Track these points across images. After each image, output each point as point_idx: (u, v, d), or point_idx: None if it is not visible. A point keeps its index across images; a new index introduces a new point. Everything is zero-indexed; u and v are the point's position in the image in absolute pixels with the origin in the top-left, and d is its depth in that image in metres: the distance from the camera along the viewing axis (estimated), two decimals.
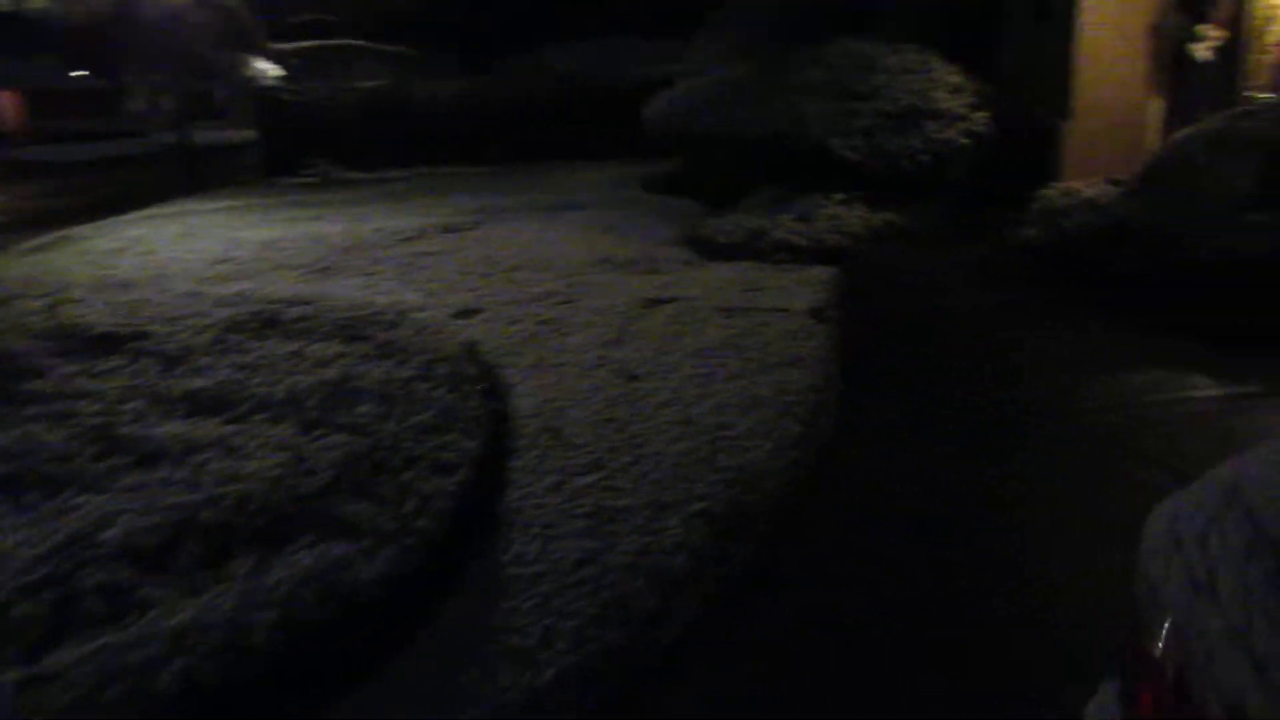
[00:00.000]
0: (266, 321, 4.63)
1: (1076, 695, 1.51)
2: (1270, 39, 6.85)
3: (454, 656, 2.23)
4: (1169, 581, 0.91)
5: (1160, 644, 0.94)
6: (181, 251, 8.11)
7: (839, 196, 8.02)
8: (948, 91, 8.70)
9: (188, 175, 15.20)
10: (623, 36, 20.11)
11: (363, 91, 15.51)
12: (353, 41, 19.01)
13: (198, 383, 3.72)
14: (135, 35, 16.62)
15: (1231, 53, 7.15)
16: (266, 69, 25.43)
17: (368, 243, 8.10)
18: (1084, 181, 7.05)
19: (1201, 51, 7.41)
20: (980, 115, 8.67)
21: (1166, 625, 0.92)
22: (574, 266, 6.66)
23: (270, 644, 2.06)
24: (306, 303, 5.23)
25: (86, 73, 34.43)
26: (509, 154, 14.67)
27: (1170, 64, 7.88)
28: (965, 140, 8.52)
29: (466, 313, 5.47)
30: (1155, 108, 8.05)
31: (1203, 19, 7.35)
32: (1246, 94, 6.61)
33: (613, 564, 2.52)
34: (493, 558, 2.64)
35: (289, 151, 15.29)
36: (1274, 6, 6.79)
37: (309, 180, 14.64)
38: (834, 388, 4.10)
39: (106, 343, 4.22)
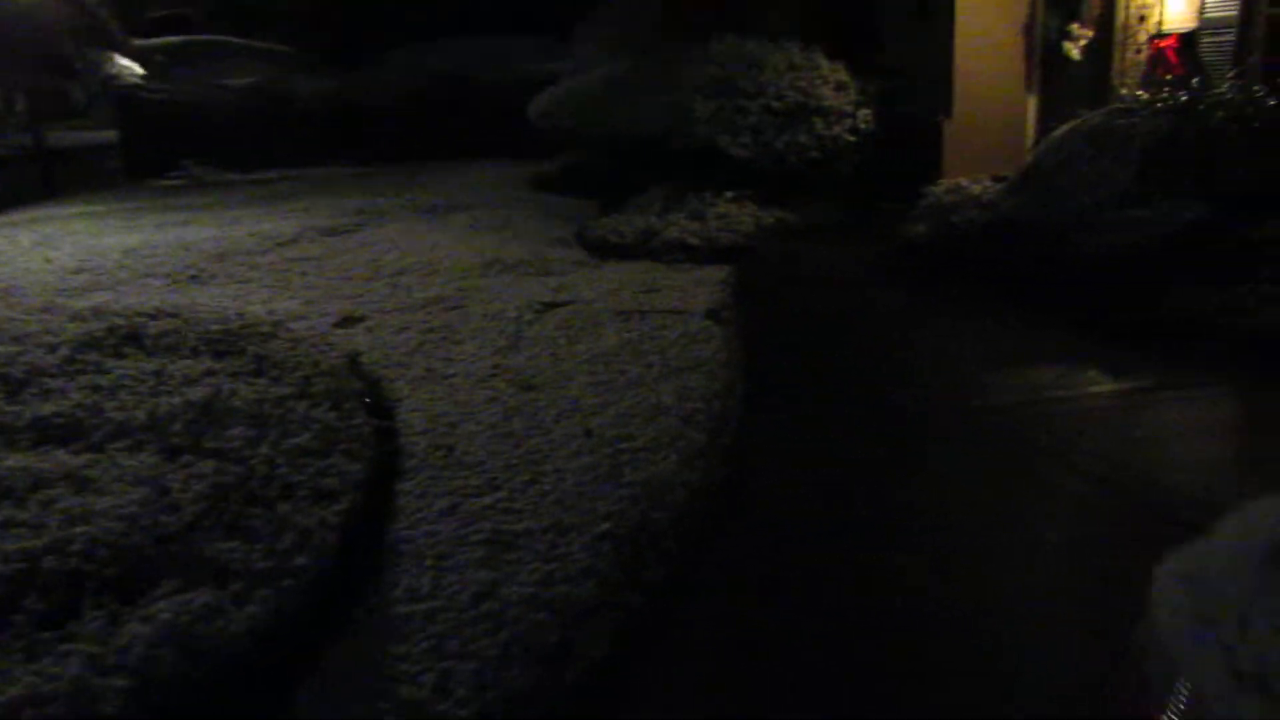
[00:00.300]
0: (126, 337, 4.25)
1: None
2: (1141, 37, 7.09)
3: (339, 715, 2.01)
4: (1200, 668, 0.78)
5: None
6: (35, 262, 7.51)
7: (729, 195, 7.98)
8: (833, 89, 8.75)
9: (44, 179, 14.21)
10: (502, 34, 19.76)
11: (233, 90, 14.79)
12: (220, 37, 18.11)
13: (46, 409, 3.35)
14: None
15: (1104, 51, 7.37)
16: (127, 66, 24.12)
17: (242, 248, 7.65)
18: (968, 177, 7.17)
19: (1073, 50, 7.63)
20: (865, 113, 8.76)
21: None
22: (463, 270, 6.41)
23: (123, 716, 1.80)
24: (173, 314, 4.85)
25: None
26: (390, 153, 14.19)
27: (1043, 62, 8.11)
28: (851, 137, 8.60)
29: (349, 321, 5.17)
30: (1033, 105, 8.27)
31: (1074, 18, 7.57)
32: (1121, 91, 6.82)
33: (513, 596, 2.33)
34: (382, 595, 2.42)
35: (154, 153, 14.48)
36: (1145, 6, 7.02)
37: (176, 183, 13.87)
38: (736, 392, 3.99)
39: None
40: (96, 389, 3.54)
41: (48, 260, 7.53)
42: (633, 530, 2.68)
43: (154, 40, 17.48)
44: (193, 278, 6.63)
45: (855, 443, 3.83)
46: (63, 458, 2.96)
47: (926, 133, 8.50)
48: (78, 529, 2.41)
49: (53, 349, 4.07)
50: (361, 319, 5.21)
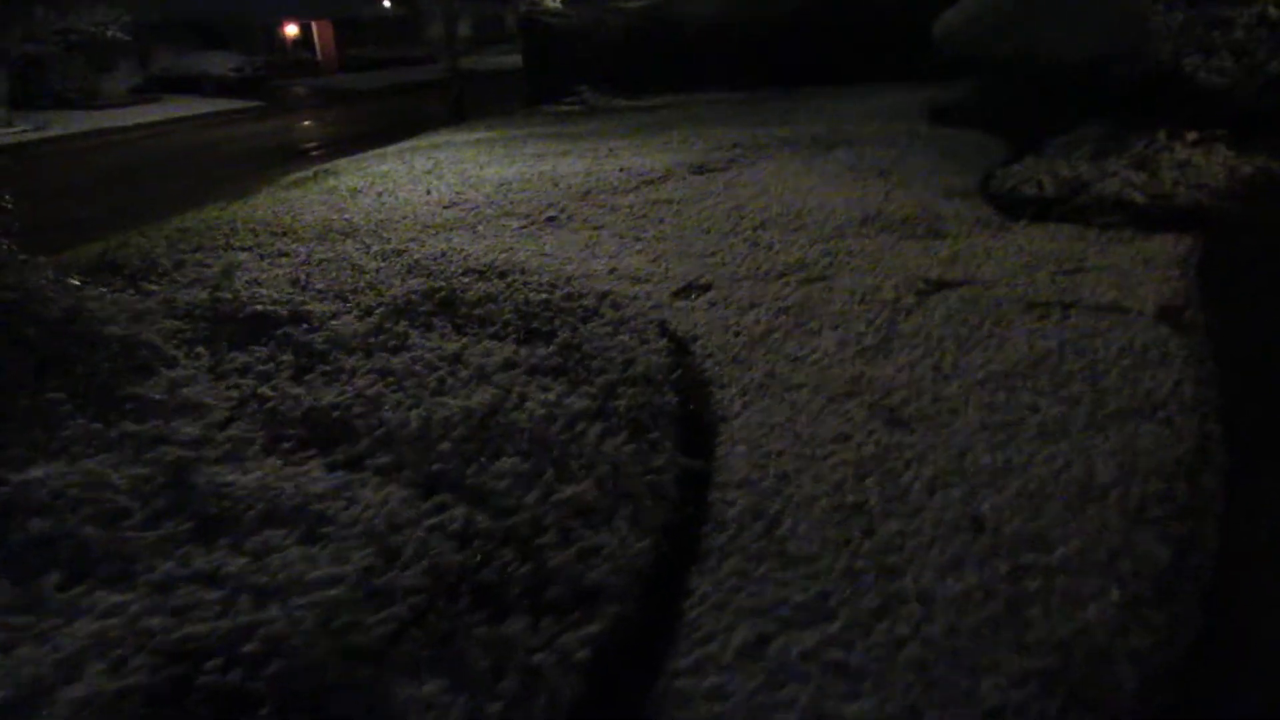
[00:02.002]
0: (443, 303, 3.81)
1: None
2: None
3: None
4: None
5: None
6: (418, 193, 7.61)
7: (1192, 136, 6.13)
8: None
9: (455, 104, 15.07)
10: None
11: (629, 13, 14.61)
12: None
13: (326, 397, 2.92)
14: None
15: None
16: None
17: (607, 185, 7.21)
18: None
19: None
20: None
21: None
22: (835, 225, 5.39)
23: None
24: (504, 273, 4.40)
25: (389, 4, 36.32)
26: (779, 77, 13.29)
27: None
28: None
29: (690, 290, 4.40)
30: None
31: None
32: None
33: None
34: None
35: (553, 78, 14.77)
36: None
37: (570, 108, 14.05)
38: (1216, 462, 2.64)
39: (255, 326, 3.56)
40: (386, 375, 3.07)
41: (428, 192, 7.59)
42: None
43: None
44: (550, 219, 6.23)
45: None
46: (313, 475, 2.47)
47: None
48: (264, 615, 1.85)
49: (368, 313, 3.71)
50: (707, 287, 4.42)
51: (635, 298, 4.28)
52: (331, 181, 8.73)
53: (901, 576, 2.06)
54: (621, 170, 7.86)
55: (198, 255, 5.19)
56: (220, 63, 26.70)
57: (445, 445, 2.57)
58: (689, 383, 3.21)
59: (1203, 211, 5.10)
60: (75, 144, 16.78)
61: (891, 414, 2.87)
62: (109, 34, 18.85)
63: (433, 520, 2.23)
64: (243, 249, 5.52)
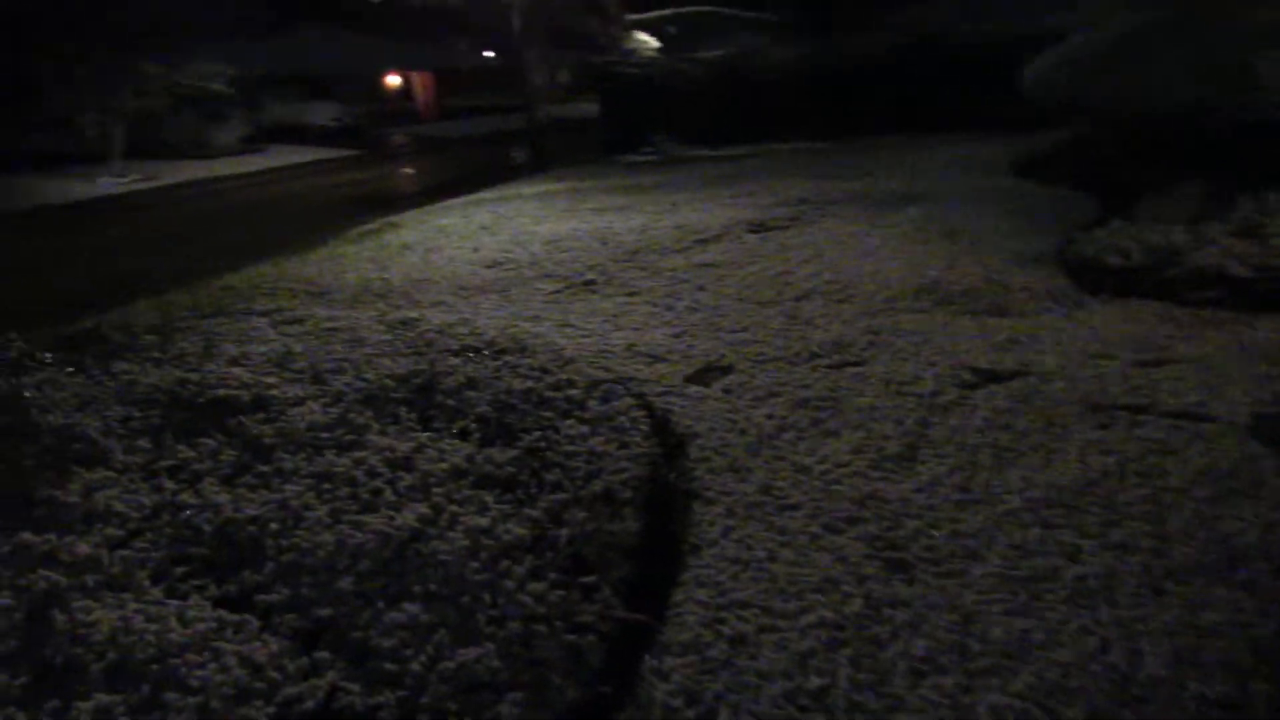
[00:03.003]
0: (421, 388, 3.46)
1: None
2: None
3: None
4: None
5: None
6: (466, 249, 7.39)
7: None
8: None
9: (533, 154, 15.01)
10: None
11: (706, 63, 14.35)
12: (709, 8, 17.91)
13: (249, 507, 2.58)
14: (528, 15, 16.77)
15: None
16: (644, 40, 25.32)
17: (657, 245, 6.84)
18: None
19: None
20: None
21: None
22: (885, 297, 4.89)
23: None
24: (502, 351, 4.03)
25: (492, 54, 37.15)
26: (861, 127, 12.78)
27: None
28: None
29: (709, 372, 3.95)
30: None
31: None
32: None
33: None
34: None
35: (629, 128, 14.59)
36: None
37: (645, 159, 13.81)
38: None
39: (212, 413, 3.26)
40: (323, 480, 2.72)
41: (475, 250, 7.35)
42: None
43: (649, 14, 17.82)
44: (586, 283, 5.89)
45: None
46: (189, 615, 2.11)
47: None
48: None
49: (337, 400, 3.38)
50: (728, 369, 3.97)
51: (646, 380, 3.87)
52: (389, 236, 8.61)
53: None
54: (677, 228, 7.49)
55: (209, 322, 5.00)
56: (322, 112, 27.59)
57: (347, 581, 2.18)
58: (668, 497, 2.76)
59: None
60: (176, 194, 17.35)
61: (894, 553, 2.36)
62: (213, 89, 19.58)
63: (291, 690, 1.84)
64: (262, 313, 5.31)
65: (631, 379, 3.88)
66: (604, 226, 7.89)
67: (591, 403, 3.29)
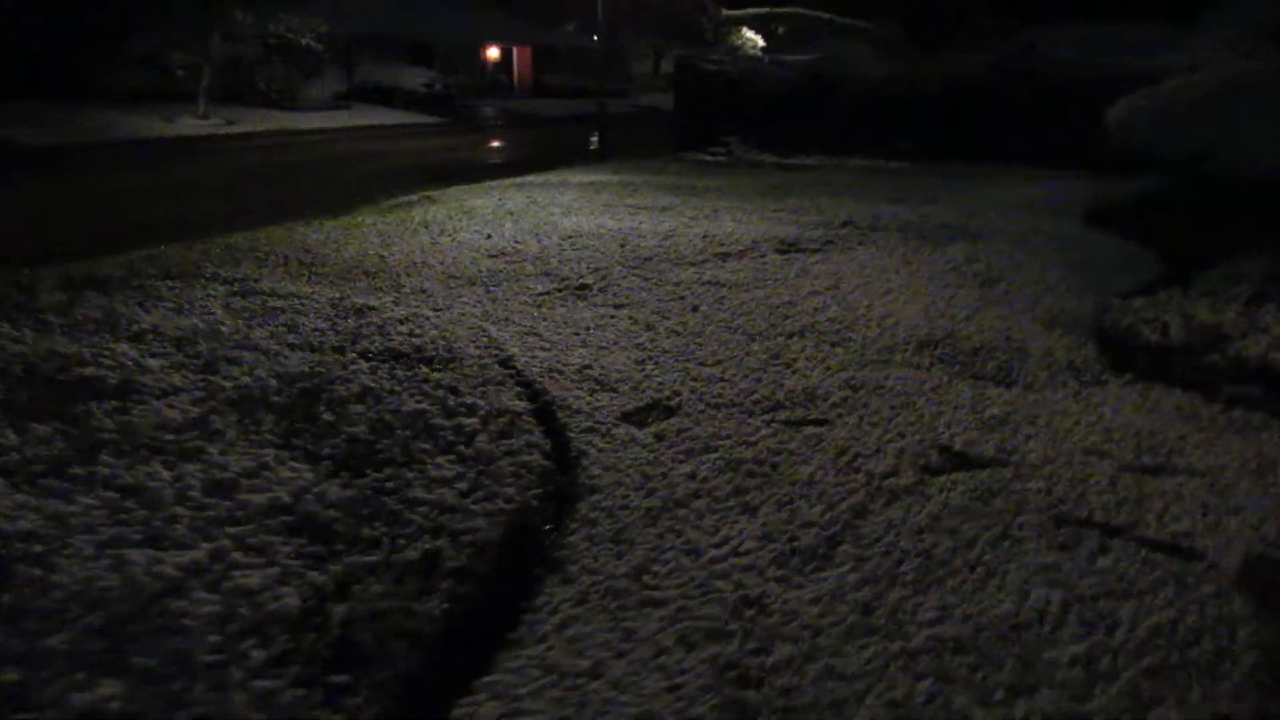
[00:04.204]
0: (304, 394, 3.10)
1: None
2: None
3: None
4: None
5: None
6: (479, 236, 7.06)
7: None
8: None
9: (601, 142, 14.64)
10: (1134, 19, 16.39)
11: (791, 66, 13.78)
12: (805, 10, 17.28)
13: (25, 524, 2.24)
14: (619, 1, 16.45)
15: None
16: (751, 38, 24.82)
17: (674, 255, 6.42)
18: None
19: None
20: None
21: None
22: (885, 344, 4.37)
23: None
24: (427, 361, 3.66)
25: (595, 38, 36.94)
26: (939, 150, 12.10)
27: None
28: None
29: (649, 411, 3.51)
30: None
31: None
32: None
33: None
34: None
35: (702, 126, 14.12)
36: None
37: (712, 159, 13.34)
38: None
39: (68, 395, 2.95)
40: (129, 495, 2.37)
41: (488, 236, 7.03)
42: None
43: (739, 11, 17.27)
44: (580, 288, 5.49)
45: None
46: None
47: None
48: None
49: (208, 397, 3.04)
50: (672, 411, 3.52)
51: (578, 411, 3.45)
52: (416, 211, 8.35)
53: None
54: (704, 237, 7.05)
55: (164, 285, 4.74)
56: (415, 77, 27.65)
57: (62, 638, 1.82)
58: (519, 569, 2.35)
59: None
60: (247, 141, 17.47)
61: (741, 691, 1.91)
62: (304, 42, 19.69)
63: None
64: (225, 281, 5.05)
65: (563, 408, 3.47)
66: (631, 227, 7.48)
67: (482, 438, 2.89)
